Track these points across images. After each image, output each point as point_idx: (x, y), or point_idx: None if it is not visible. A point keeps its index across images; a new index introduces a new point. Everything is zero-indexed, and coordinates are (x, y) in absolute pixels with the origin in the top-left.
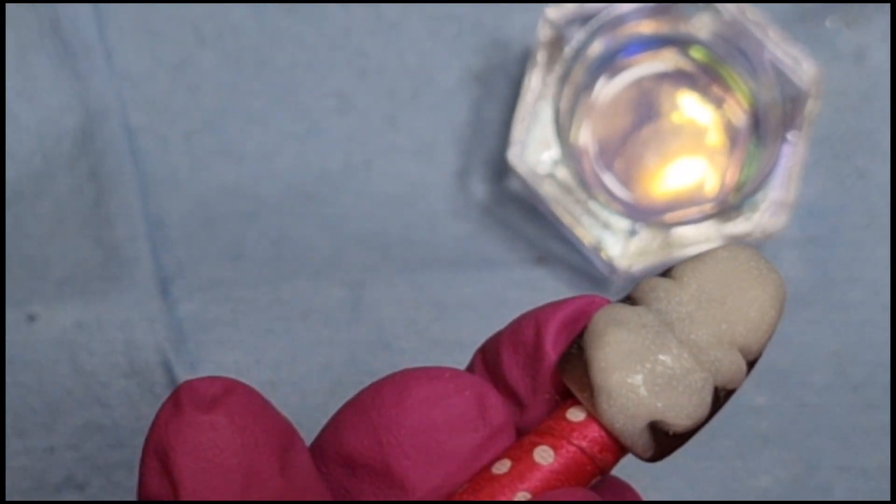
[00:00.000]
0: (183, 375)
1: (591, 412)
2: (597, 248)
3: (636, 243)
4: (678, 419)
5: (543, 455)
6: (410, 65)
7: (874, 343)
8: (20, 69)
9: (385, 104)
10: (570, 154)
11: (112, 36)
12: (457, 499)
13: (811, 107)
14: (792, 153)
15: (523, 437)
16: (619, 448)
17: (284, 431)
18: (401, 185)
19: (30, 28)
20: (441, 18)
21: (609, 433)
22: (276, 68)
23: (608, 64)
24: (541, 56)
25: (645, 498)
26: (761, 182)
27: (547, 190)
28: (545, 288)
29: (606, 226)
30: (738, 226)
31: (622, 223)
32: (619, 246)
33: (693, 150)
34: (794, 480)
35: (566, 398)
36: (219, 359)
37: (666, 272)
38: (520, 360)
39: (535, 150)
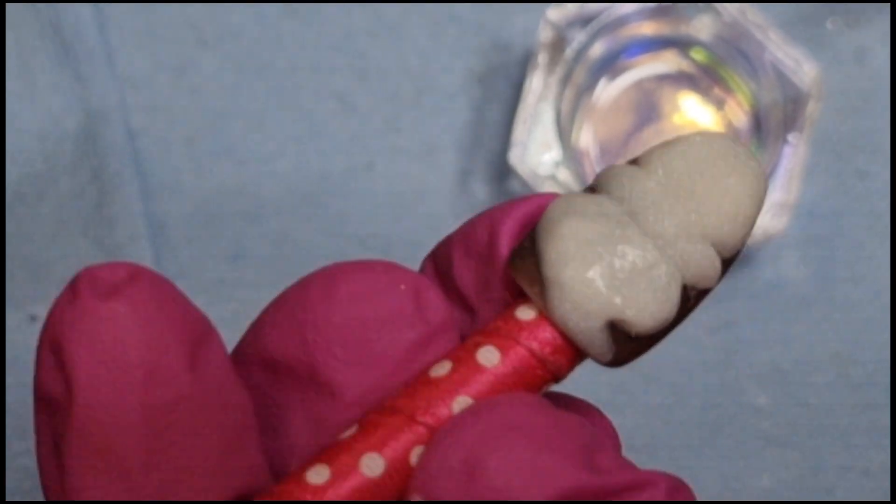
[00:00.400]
0: None
1: (542, 310)
2: None
3: None
4: (640, 318)
5: (488, 356)
6: (412, 67)
7: (876, 343)
8: (21, 71)
9: (386, 106)
10: (572, 156)
11: (113, 38)
12: (390, 403)
13: (812, 108)
14: (793, 154)
15: (468, 337)
16: (573, 351)
17: (196, 324)
18: (402, 187)
19: (31, 30)
20: (442, 20)
21: (562, 333)
22: (278, 70)
23: (609, 65)
24: (542, 58)
25: None
26: None
27: (548, 191)
28: None
29: None
30: None
31: None
32: None
33: None
34: (795, 481)
35: (518, 298)
36: None
37: (634, 160)
38: (472, 264)
39: (537, 152)
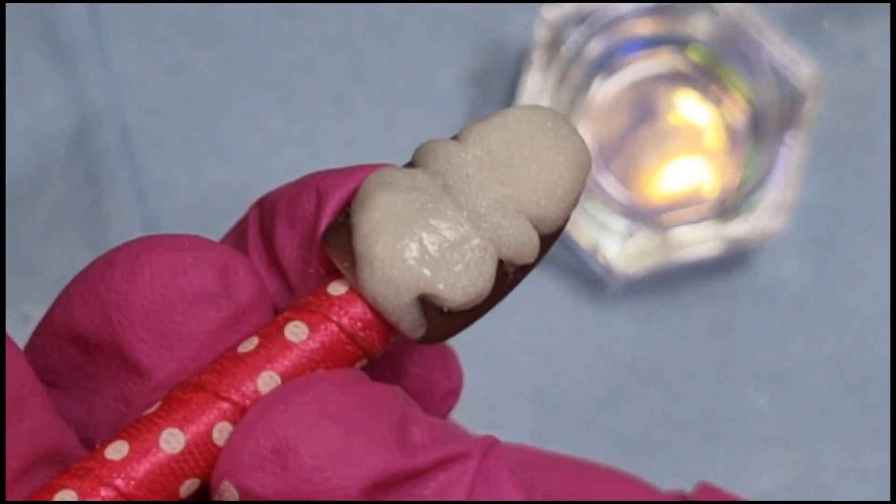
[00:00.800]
0: None
1: (353, 285)
2: (594, 250)
3: (634, 245)
4: (451, 293)
5: (295, 332)
6: (408, 66)
7: (875, 344)
8: (15, 71)
9: (382, 106)
10: None
11: (108, 38)
12: (195, 380)
13: (810, 108)
14: (790, 154)
15: (279, 314)
16: (385, 327)
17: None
18: None
19: (25, 30)
20: (438, 20)
21: (373, 309)
22: (273, 71)
23: (605, 64)
24: (538, 57)
25: None
26: (760, 183)
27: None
28: (542, 290)
29: (604, 227)
30: (737, 227)
31: (620, 224)
32: (617, 247)
33: (691, 151)
34: (795, 482)
35: (333, 273)
36: None
37: (455, 136)
38: (295, 238)
39: None
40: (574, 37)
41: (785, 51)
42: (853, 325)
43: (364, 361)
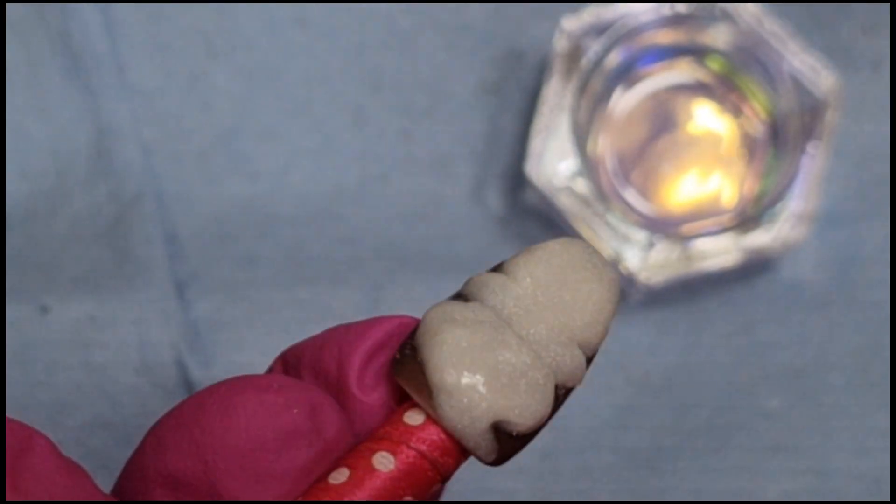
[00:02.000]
0: (197, 374)
1: (430, 414)
2: (615, 261)
3: (655, 256)
4: (522, 418)
5: (383, 461)
6: (425, 78)
7: (890, 343)
8: (31, 84)
9: (400, 117)
10: (588, 166)
11: (124, 51)
12: None
13: (830, 117)
14: (811, 164)
15: (360, 444)
16: (460, 451)
17: (13, 440)
18: (417, 199)
19: (40, 43)
20: (455, 30)
21: (450, 436)
22: (290, 83)
23: (625, 74)
24: (557, 67)
25: None
26: (780, 193)
27: (564, 202)
28: None
29: (625, 238)
30: (758, 237)
31: (640, 235)
32: (638, 258)
33: (711, 161)
34: (804, 490)
35: (402, 401)
36: (233, 358)
37: (496, 267)
38: (320, 385)
39: (553, 163)
40: (594, 47)
41: (804, 60)
42: (872, 331)
43: (439, 484)
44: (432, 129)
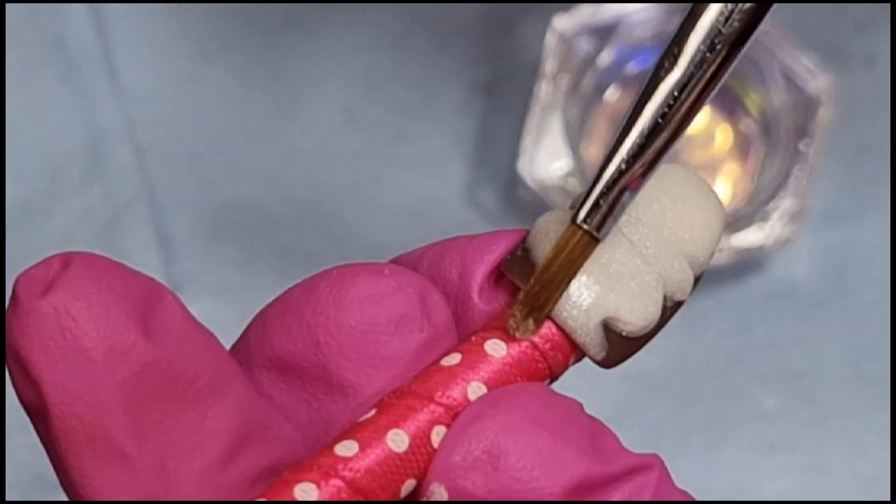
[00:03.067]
0: None
1: None
2: None
3: None
4: (632, 316)
5: (495, 348)
6: (417, 77)
7: (887, 348)
8: (24, 86)
9: (392, 118)
10: (580, 165)
11: (116, 53)
12: (406, 388)
13: (823, 115)
14: (804, 162)
15: (472, 334)
16: (570, 347)
17: (141, 289)
18: (409, 199)
19: (33, 45)
20: (447, 30)
21: (561, 330)
22: (282, 83)
23: (617, 74)
24: (549, 66)
25: None
26: (773, 191)
27: (557, 201)
28: None
29: None
30: (751, 235)
31: None
32: None
33: (704, 160)
34: (801, 488)
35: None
36: None
37: None
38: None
39: (545, 162)
40: (585, 46)
41: (797, 58)
42: (866, 329)
43: (548, 380)
44: (424, 129)
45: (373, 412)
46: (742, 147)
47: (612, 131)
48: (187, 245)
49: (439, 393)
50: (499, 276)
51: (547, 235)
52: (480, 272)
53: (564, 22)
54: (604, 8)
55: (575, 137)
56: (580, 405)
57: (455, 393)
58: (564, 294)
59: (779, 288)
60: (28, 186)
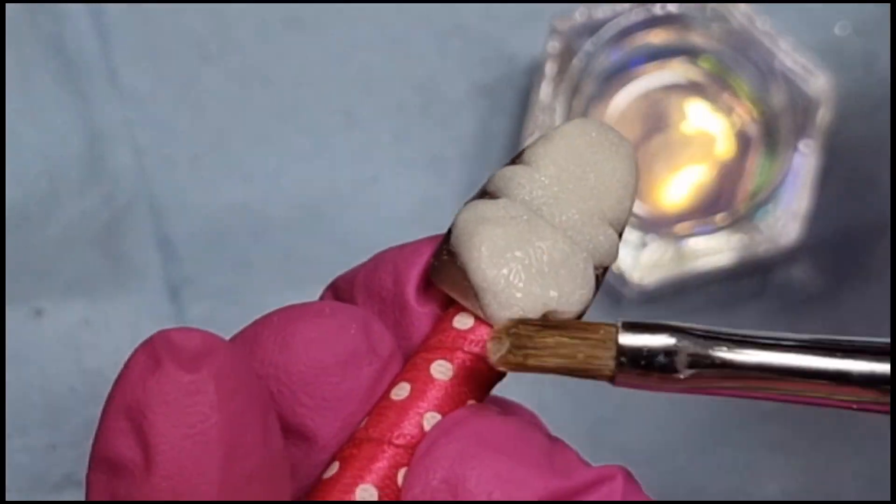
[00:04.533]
0: None
1: (478, 315)
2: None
3: (648, 255)
4: (569, 305)
5: (441, 370)
6: (417, 79)
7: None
8: (23, 89)
9: (392, 119)
10: None
11: (116, 55)
12: (363, 434)
13: (822, 116)
14: (803, 162)
15: (415, 356)
16: None
17: (264, 396)
18: (409, 201)
19: (33, 48)
20: (447, 32)
21: None
22: (281, 85)
23: (617, 74)
24: (549, 68)
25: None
26: (773, 192)
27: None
28: None
29: None
30: (750, 236)
31: (633, 235)
32: (631, 258)
33: (703, 161)
34: (801, 489)
35: (450, 308)
36: None
37: (515, 158)
38: (375, 307)
39: None
40: (585, 48)
41: (796, 59)
42: (865, 329)
43: (496, 382)
44: (424, 130)
45: (336, 466)
46: (742, 147)
47: None
48: (187, 247)
49: (396, 434)
50: (429, 282)
51: (470, 238)
52: (413, 275)
53: (564, 24)
54: (603, 9)
55: None
56: (536, 421)
57: (410, 429)
58: (500, 296)
59: (778, 288)
60: (27, 189)
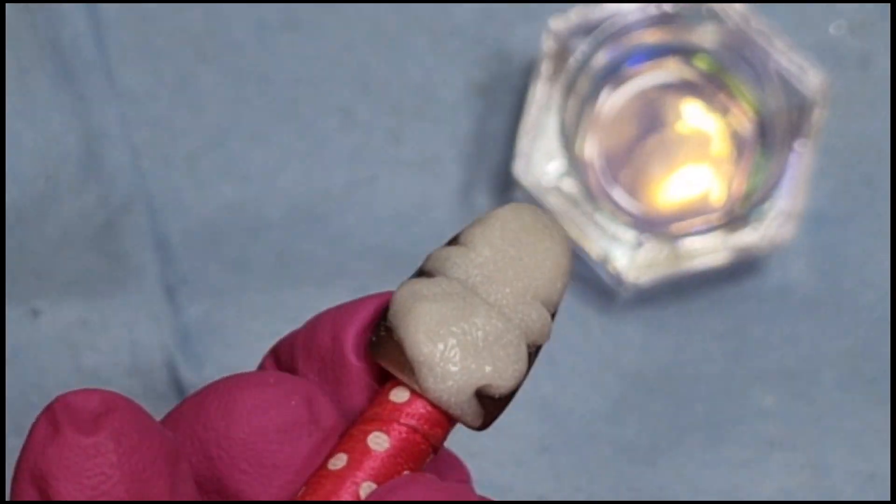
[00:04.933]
0: (187, 376)
1: (414, 390)
2: (604, 261)
3: (643, 255)
4: (503, 380)
5: (377, 441)
6: (413, 79)
7: (884, 347)
8: (20, 89)
9: (388, 119)
10: (576, 166)
11: (112, 55)
12: (299, 499)
13: (818, 115)
14: (799, 162)
15: (351, 428)
16: (447, 421)
17: (169, 446)
18: (405, 200)
19: (29, 48)
20: (443, 31)
21: (436, 407)
22: (278, 85)
23: (613, 74)
24: (545, 68)
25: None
26: (768, 191)
27: (552, 202)
28: None
29: (613, 238)
30: (746, 236)
31: (629, 235)
32: (627, 258)
33: (699, 160)
34: (800, 487)
35: (383, 382)
36: (223, 361)
37: (452, 240)
38: (315, 366)
39: (541, 163)
40: (581, 47)
41: (792, 58)
42: (864, 324)
43: (432, 455)
44: (421, 130)
45: None
46: (737, 147)
47: (607, 133)
48: (184, 247)
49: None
50: (367, 353)
51: (406, 314)
52: (351, 332)
53: (560, 23)
54: (599, 9)
55: (570, 138)
56: (468, 488)
57: (347, 497)
58: (435, 370)
59: (774, 288)
60: (24, 189)
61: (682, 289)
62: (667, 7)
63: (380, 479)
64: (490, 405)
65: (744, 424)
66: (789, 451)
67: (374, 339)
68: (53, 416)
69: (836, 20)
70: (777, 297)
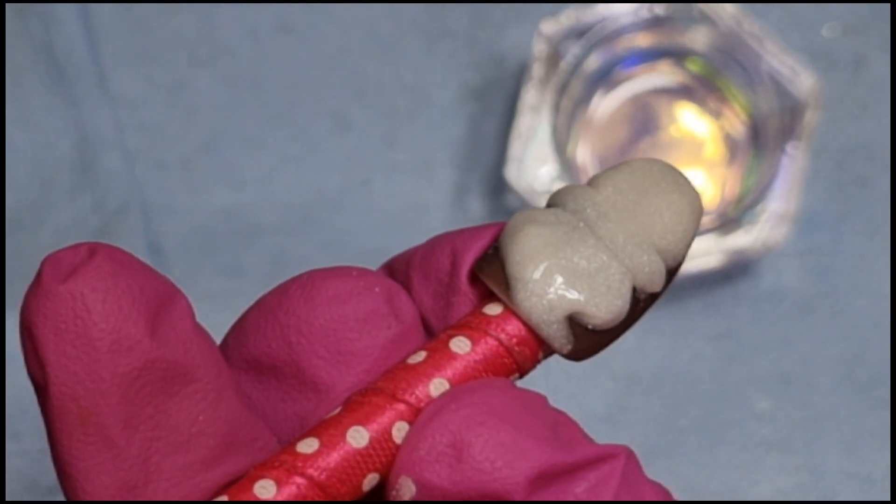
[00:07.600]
0: None
1: (508, 305)
2: None
3: None
4: (596, 311)
5: (460, 345)
6: (407, 83)
7: (877, 349)
8: (14, 95)
9: (382, 123)
10: (569, 169)
11: (106, 60)
12: (372, 386)
13: (810, 117)
14: (792, 164)
15: (439, 332)
16: (537, 343)
17: (156, 291)
18: (399, 204)
19: (23, 53)
20: (436, 36)
21: (526, 325)
22: (272, 89)
23: (605, 78)
24: (537, 71)
25: None
26: (761, 194)
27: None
28: None
29: None
30: (739, 238)
31: None
32: None
33: (691, 163)
34: (796, 488)
35: (484, 300)
36: None
37: (587, 183)
38: (431, 287)
39: (533, 167)
40: (573, 50)
41: (784, 61)
42: (859, 328)
43: (516, 376)
44: (414, 134)
45: (338, 410)
46: (730, 149)
47: (599, 136)
48: (178, 251)
49: (402, 390)
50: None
51: (515, 233)
52: (469, 258)
53: (552, 26)
54: (591, 12)
55: (563, 142)
56: (544, 398)
57: (418, 390)
58: (530, 287)
59: (767, 291)
60: (18, 195)
61: (675, 291)
62: (659, 10)
63: (455, 381)
64: (582, 336)
65: (738, 427)
66: (785, 452)
67: (482, 257)
68: (39, 271)
69: (829, 22)
70: (771, 299)
